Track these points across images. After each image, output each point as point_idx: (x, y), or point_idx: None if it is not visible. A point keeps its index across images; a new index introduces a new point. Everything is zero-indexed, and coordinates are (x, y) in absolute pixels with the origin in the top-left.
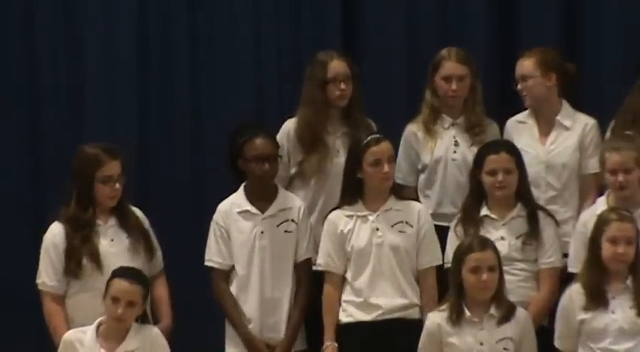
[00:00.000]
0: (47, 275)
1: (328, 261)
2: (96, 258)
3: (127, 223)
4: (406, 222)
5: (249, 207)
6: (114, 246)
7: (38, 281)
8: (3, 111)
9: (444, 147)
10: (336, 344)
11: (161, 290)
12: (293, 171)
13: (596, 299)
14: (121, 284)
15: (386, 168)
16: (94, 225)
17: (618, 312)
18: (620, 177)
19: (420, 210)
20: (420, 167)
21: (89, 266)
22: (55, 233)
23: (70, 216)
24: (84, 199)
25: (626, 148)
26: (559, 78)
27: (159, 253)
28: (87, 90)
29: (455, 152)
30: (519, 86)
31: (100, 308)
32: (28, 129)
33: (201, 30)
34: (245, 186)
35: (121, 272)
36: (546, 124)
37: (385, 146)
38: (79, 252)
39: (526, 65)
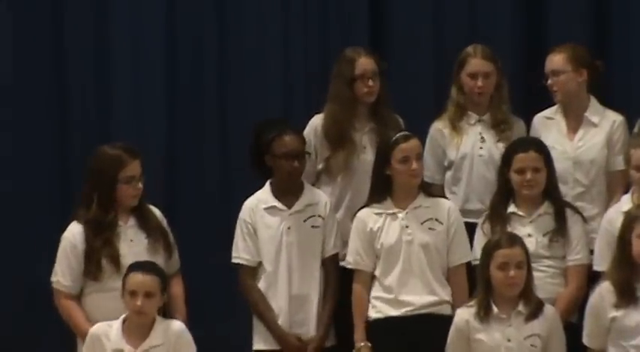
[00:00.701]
0: (63, 275)
1: (357, 259)
2: (116, 260)
3: (147, 223)
4: (436, 220)
5: (275, 202)
6: (133, 247)
7: (53, 279)
8: (31, 111)
9: (470, 144)
10: (369, 344)
11: (177, 288)
12: (320, 167)
13: (627, 297)
14: (135, 277)
15: (414, 164)
16: (115, 226)
17: None
18: None
19: (449, 208)
20: (446, 164)
21: (108, 269)
22: (75, 233)
23: (90, 218)
24: (105, 201)
25: None
26: (589, 74)
27: (176, 252)
28: (115, 90)
29: (481, 148)
30: (550, 81)
31: (118, 307)
32: (56, 129)
33: (231, 30)
34: (271, 183)
35: (135, 266)
36: (575, 120)
37: (414, 143)
38: (99, 255)
39: (557, 60)
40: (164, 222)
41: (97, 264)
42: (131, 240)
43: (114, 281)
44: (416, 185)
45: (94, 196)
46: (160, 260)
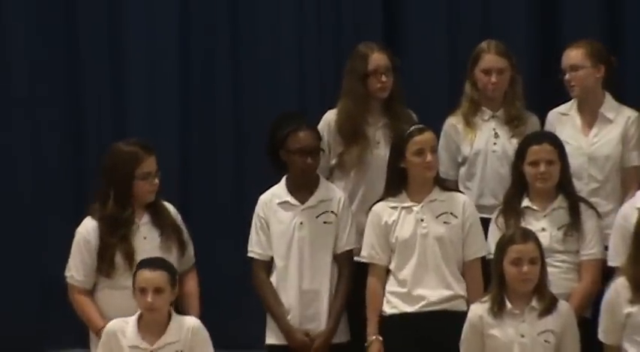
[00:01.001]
0: (76, 269)
1: (372, 252)
2: (130, 257)
3: (160, 220)
4: (451, 213)
5: (288, 198)
6: (146, 244)
7: (67, 274)
8: (47, 113)
9: (484, 139)
10: (381, 338)
11: (191, 285)
12: (333, 162)
13: None
14: (144, 274)
15: (429, 157)
16: (132, 223)
17: None
18: None
19: (465, 202)
20: (460, 159)
21: (121, 266)
22: (89, 229)
23: (107, 215)
24: (122, 197)
25: None
26: (606, 70)
27: (190, 248)
28: (129, 89)
29: (495, 144)
30: (567, 76)
31: (130, 306)
32: (72, 130)
33: (244, 28)
34: (287, 178)
35: (144, 264)
36: (590, 116)
37: (428, 135)
38: (113, 251)
39: (576, 55)
40: (178, 218)
41: (110, 260)
42: (144, 237)
43: (125, 280)
44: (430, 177)
45: (110, 193)
46: (172, 257)
